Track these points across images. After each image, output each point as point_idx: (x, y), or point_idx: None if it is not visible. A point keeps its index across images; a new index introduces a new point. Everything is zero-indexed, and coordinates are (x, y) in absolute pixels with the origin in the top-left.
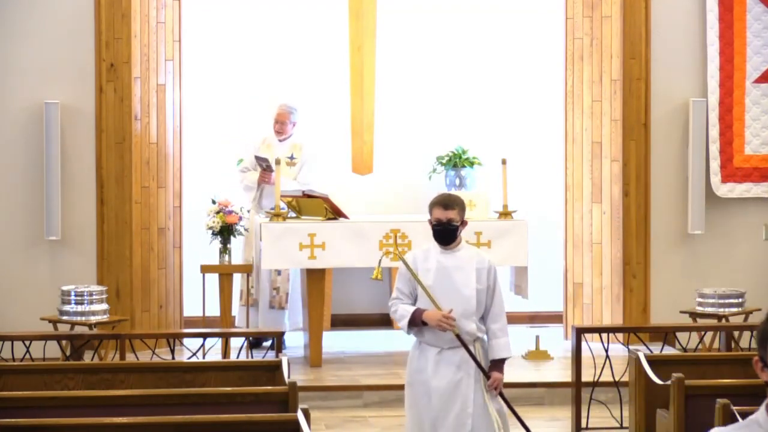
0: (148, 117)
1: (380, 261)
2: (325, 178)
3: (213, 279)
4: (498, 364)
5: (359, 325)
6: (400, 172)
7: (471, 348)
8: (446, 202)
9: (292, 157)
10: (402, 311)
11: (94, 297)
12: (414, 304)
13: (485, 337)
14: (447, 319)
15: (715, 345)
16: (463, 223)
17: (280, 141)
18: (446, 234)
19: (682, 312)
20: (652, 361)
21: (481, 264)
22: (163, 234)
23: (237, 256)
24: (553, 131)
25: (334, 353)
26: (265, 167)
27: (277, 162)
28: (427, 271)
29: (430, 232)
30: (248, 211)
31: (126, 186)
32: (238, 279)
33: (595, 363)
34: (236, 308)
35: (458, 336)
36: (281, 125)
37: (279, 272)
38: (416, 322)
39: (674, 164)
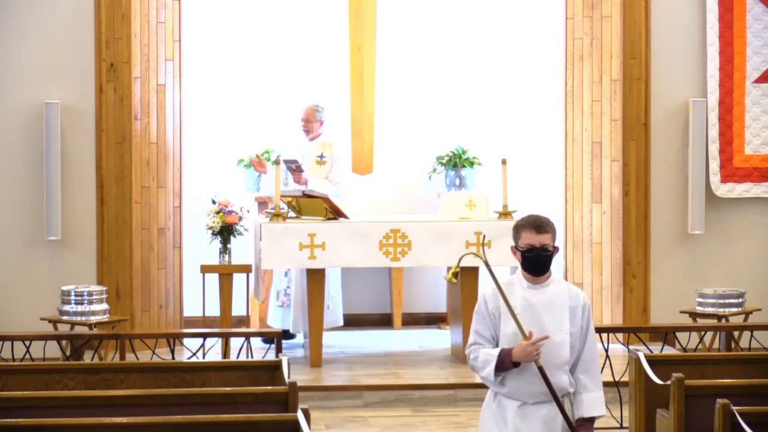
0: (148, 117)
1: (460, 261)
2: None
3: (213, 279)
4: (587, 424)
5: (359, 325)
6: (400, 172)
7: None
8: (539, 224)
9: (321, 156)
10: (485, 356)
11: (94, 297)
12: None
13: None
14: (534, 345)
15: (715, 345)
16: (556, 249)
17: (310, 140)
18: (540, 262)
19: (682, 312)
20: (652, 361)
21: (575, 301)
22: (163, 234)
23: (245, 256)
24: (553, 131)
25: (334, 353)
26: (294, 168)
27: (277, 162)
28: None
29: (496, 254)
30: (248, 211)
31: (126, 186)
32: (242, 282)
33: None
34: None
35: (541, 369)
36: (308, 124)
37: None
38: (505, 365)
39: (674, 164)
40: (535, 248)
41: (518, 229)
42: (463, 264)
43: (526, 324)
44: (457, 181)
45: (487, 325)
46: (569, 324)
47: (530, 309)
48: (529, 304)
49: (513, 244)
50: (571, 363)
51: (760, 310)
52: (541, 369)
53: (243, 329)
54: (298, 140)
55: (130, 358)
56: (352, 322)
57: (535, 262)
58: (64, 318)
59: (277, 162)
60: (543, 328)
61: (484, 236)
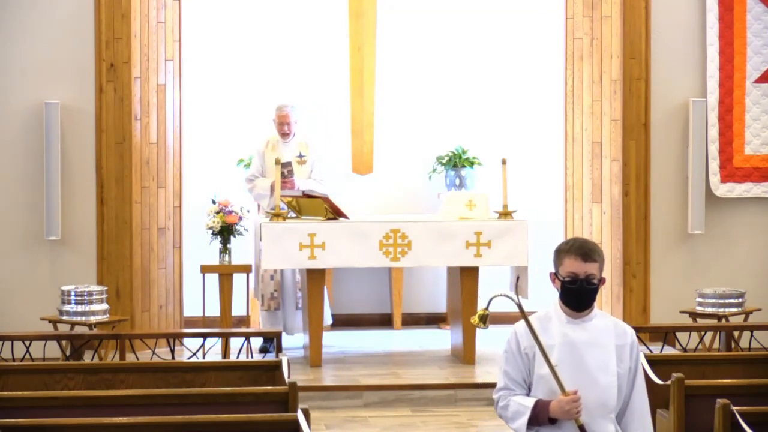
0: (148, 117)
1: (489, 304)
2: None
3: (213, 279)
4: None
5: (359, 325)
6: (400, 172)
7: None
8: (586, 251)
9: (301, 156)
10: (516, 407)
11: (94, 297)
12: (529, 394)
13: None
14: (575, 402)
15: (715, 345)
16: (603, 280)
17: (285, 142)
18: (583, 296)
19: (682, 312)
20: (652, 361)
21: (622, 338)
22: (163, 234)
23: (240, 256)
24: (553, 131)
25: (334, 353)
26: (286, 174)
27: (277, 162)
28: (548, 349)
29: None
30: (248, 211)
31: (126, 186)
32: (242, 282)
33: None
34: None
35: (582, 429)
36: (286, 126)
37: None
38: (540, 420)
39: (674, 164)
40: (579, 279)
41: (560, 254)
42: (462, 263)
43: (565, 365)
44: (457, 181)
45: (519, 367)
46: (616, 365)
47: (570, 347)
48: (568, 342)
49: (552, 270)
50: (617, 410)
51: (760, 310)
52: (582, 428)
53: (243, 329)
54: (267, 143)
55: (130, 358)
56: (353, 322)
57: (578, 296)
58: (64, 318)
59: (277, 162)
60: (585, 369)
61: (518, 277)
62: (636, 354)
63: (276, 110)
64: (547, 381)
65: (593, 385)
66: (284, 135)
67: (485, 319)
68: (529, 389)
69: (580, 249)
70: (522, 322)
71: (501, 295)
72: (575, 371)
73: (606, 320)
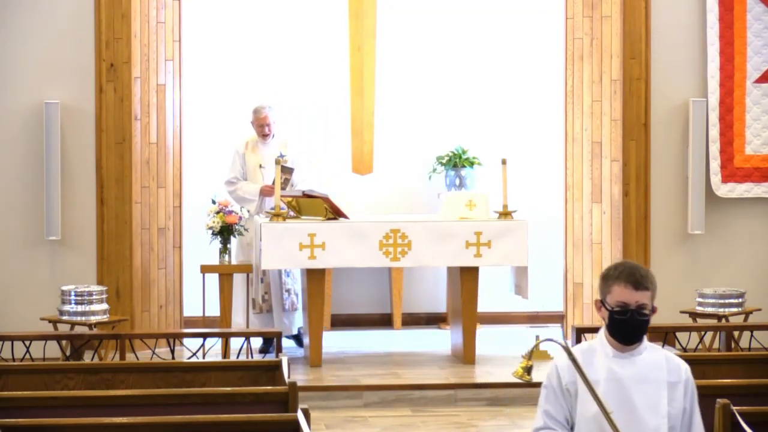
0: (148, 117)
1: (532, 353)
2: (325, 177)
3: (213, 279)
4: None
5: (359, 325)
6: (400, 172)
7: None
8: (638, 278)
9: (281, 156)
10: None
11: (94, 297)
12: None
13: None
14: None
15: (715, 345)
16: (654, 310)
17: (265, 143)
18: (633, 328)
19: (682, 312)
20: None
21: (675, 375)
22: (163, 234)
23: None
24: (553, 131)
25: (334, 353)
26: (283, 181)
27: (277, 162)
28: (592, 385)
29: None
30: (248, 212)
31: (126, 186)
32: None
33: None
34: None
35: None
36: (267, 127)
37: (288, 273)
38: None
39: (674, 164)
40: (630, 309)
41: (608, 280)
42: (462, 263)
43: (611, 404)
44: (457, 181)
45: (560, 405)
46: (667, 404)
47: (617, 384)
48: (615, 378)
49: (598, 297)
50: None
51: (760, 310)
52: None
53: (243, 329)
54: (246, 144)
55: (130, 358)
56: (353, 322)
57: (627, 328)
58: (64, 318)
59: (277, 162)
60: (633, 408)
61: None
62: (692, 392)
63: (255, 113)
64: (593, 423)
65: (641, 427)
66: (265, 136)
67: (530, 371)
68: (572, 429)
69: (631, 276)
70: (563, 356)
71: (548, 340)
72: (621, 411)
73: (657, 354)
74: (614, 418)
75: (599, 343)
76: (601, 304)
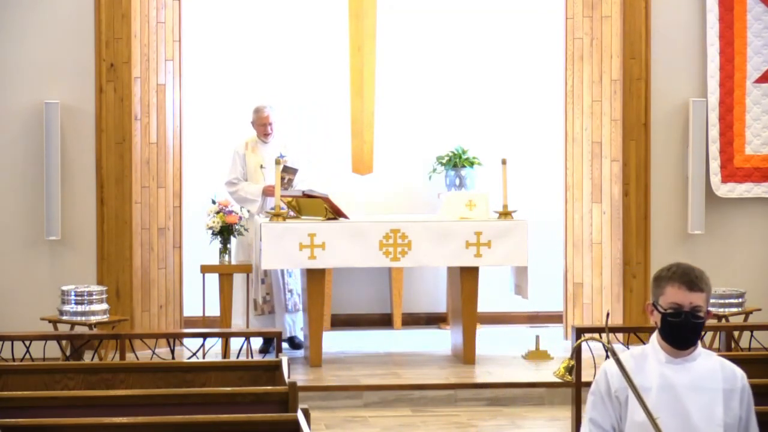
0: (148, 117)
1: (574, 352)
2: (325, 177)
3: (213, 279)
4: None
5: (359, 325)
6: (400, 172)
7: None
8: (692, 279)
9: (281, 156)
10: None
11: (94, 297)
12: None
13: None
14: None
15: (715, 345)
16: (709, 313)
17: (265, 143)
18: (688, 331)
19: None
20: None
21: (731, 383)
22: (163, 234)
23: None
24: (553, 131)
25: (334, 353)
26: (285, 181)
27: (277, 162)
28: (643, 393)
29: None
30: (248, 212)
31: (126, 186)
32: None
33: (595, 363)
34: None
35: None
36: (269, 127)
37: (290, 274)
38: None
39: (674, 164)
40: (683, 311)
41: (661, 281)
42: (462, 263)
43: (663, 413)
44: (457, 181)
45: (608, 413)
46: (723, 413)
47: (670, 392)
48: (668, 386)
49: (650, 300)
50: None
51: (760, 310)
52: None
53: (243, 329)
54: (246, 144)
55: (130, 358)
56: (353, 322)
57: (681, 331)
58: (64, 318)
59: (278, 162)
60: (687, 417)
61: (608, 314)
62: (748, 400)
63: (256, 112)
64: (644, 429)
65: None
66: (266, 136)
67: (572, 370)
68: None
69: (685, 276)
70: (608, 363)
71: (591, 338)
72: (675, 420)
73: (712, 360)
74: (660, 424)
75: (651, 348)
76: (653, 307)
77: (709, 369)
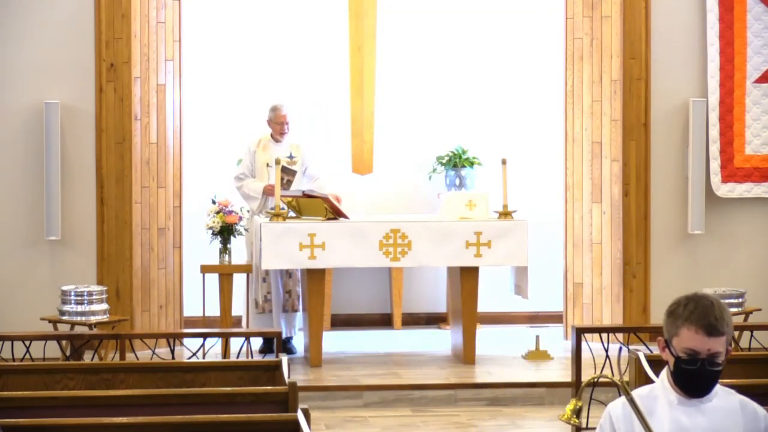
0: (148, 117)
1: (580, 392)
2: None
3: (213, 279)
4: None
5: (359, 325)
6: (400, 172)
7: None
8: (711, 323)
9: (291, 157)
10: None
11: (94, 297)
12: None
13: None
14: None
15: None
16: (728, 353)
17: (277, 143)
18: (703, 379)
19: None
20: (652, 361)
21: (753, 424)
22: (163, 234)
23: (240, 256)
24: (553, 131)
25: (334, 353)
26: (285, 182)
27: (277, 162)
28: None
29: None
30: (248, 211)
31: (126, 186)
32: (241, 284)
33: (595, 363)
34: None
35: None
36: (286, 126)
37: (290, 275)
38: None
39: (674, 164)
40: (699, 357)
41: (676, 320)
42: (462, 263)
43: None
44: (457, 181)
45: None
46: None
47: None
48: (683, 429)
49: (664, 336)
50: None
51: (760, 310)
52: None
53: (243, 329)
54: (258, 142)
55: (130, 358)
56: (353, 322)
57: (695, 380)
58: (64, 318)
59: (278, 162)
60: None
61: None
62: None
63: (273, 110)
64: None
65: None
66: (282, 135)
67: (579, 413)
68: None
69: (704, 318)
70: (618, 402)
71: (601, 378)
72: None
73: (730, 399)
74: None
75: (661, 387)
76: (666, 345)
77: (728, 411)
